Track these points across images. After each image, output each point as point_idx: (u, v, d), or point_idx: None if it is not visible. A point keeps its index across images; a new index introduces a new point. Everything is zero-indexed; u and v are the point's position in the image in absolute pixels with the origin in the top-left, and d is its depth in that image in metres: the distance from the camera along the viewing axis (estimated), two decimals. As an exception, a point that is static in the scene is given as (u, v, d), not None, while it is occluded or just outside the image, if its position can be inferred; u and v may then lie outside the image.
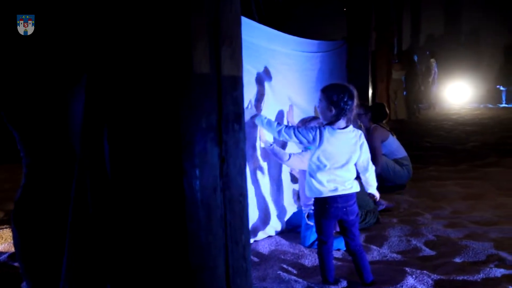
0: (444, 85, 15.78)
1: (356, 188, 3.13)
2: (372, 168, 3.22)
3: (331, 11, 15.08)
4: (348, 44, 7.54)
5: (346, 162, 3.07)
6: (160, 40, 1.30)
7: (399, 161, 5.38)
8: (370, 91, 8.01)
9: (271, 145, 3.86)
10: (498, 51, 16.56)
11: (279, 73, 4.05)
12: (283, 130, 3.26)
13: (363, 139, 3.14)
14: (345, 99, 3.03)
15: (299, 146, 3.17)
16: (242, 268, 1.66)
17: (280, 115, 4.09)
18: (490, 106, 15.21)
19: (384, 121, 6.00)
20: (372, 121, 5.73)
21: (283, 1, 11.28)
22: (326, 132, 3.06)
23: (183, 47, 1.30)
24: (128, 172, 1.38)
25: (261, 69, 3.77)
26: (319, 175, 3.06)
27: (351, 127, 3.12)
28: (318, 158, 3.07)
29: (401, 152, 5.46)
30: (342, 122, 3.08)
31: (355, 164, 3.15)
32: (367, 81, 7.63)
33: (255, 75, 3.70)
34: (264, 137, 3.86)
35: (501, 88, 15.67)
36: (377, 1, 9.71)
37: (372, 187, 3.26)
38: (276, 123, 3.34)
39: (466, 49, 17.02)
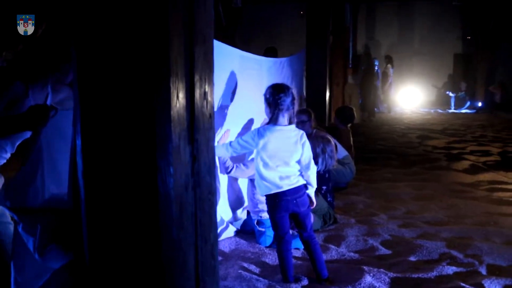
0: (397, 90, 16.24)
1: (302, 181, 3.20)
2: (314, 168, 3.27)
3: (295, 13, 15.26)
4: (307, 47, 7.65)
5: (288, 160, 3.14)
6: (138, 38, 1.30)
7: (341, 161, 5.53)
8: (328, 93, 8.15)
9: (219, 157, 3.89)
10: (447, 59, 17.22)
11: (245, 76, 4.08)
12: (229, 146, 3.32)
13: (304, 139, 3.22)
14: (279, 96, 3.11)
15: (253, 150, 3.26)
16: (211, 265, 1.68)
17: (246, 114, 4.12)
18: (440, 111, 15.75)
19: (349, 124, 6.19)
20: (342, 123, 6.14)
21: (241, 5, 11.27)
22: (266, 131, 3.14)
23: (160, 45, 1.30)
24: (102, 168, 1.37)
25: (228, 73, 3.79)
26: (265, 174, 3.13)
27: (293, 126, 3.20)
28: (261, 158, 3.15)
29: (341, 153, 5.61)
30: (282, 119, 3.15)
31: (299, 162, 3.20)
32: (325, 83, 7.77)
33: (224, 78, 3.72)
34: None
35: (450, 94, 16.28)
36: (334, 6, 9.89)
37: (311, 188, 3.28)
38: (225, 145, 3.36)
39: (418, 56, 17.59)
